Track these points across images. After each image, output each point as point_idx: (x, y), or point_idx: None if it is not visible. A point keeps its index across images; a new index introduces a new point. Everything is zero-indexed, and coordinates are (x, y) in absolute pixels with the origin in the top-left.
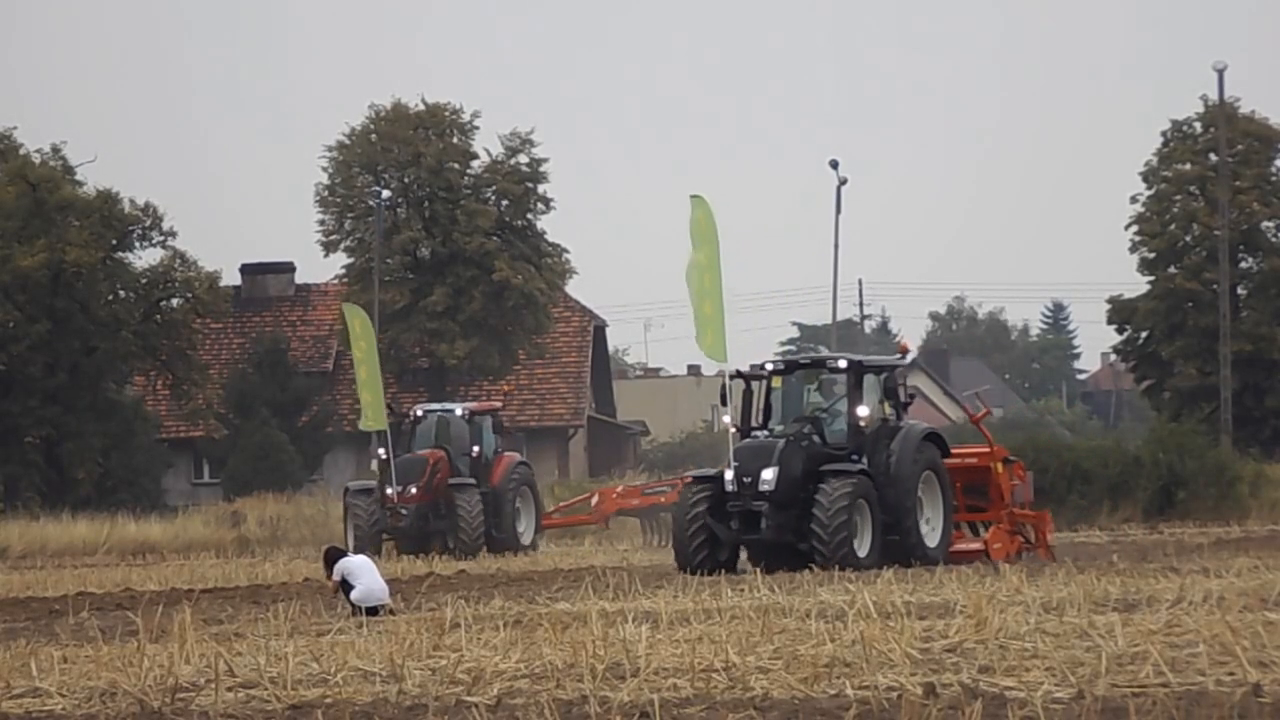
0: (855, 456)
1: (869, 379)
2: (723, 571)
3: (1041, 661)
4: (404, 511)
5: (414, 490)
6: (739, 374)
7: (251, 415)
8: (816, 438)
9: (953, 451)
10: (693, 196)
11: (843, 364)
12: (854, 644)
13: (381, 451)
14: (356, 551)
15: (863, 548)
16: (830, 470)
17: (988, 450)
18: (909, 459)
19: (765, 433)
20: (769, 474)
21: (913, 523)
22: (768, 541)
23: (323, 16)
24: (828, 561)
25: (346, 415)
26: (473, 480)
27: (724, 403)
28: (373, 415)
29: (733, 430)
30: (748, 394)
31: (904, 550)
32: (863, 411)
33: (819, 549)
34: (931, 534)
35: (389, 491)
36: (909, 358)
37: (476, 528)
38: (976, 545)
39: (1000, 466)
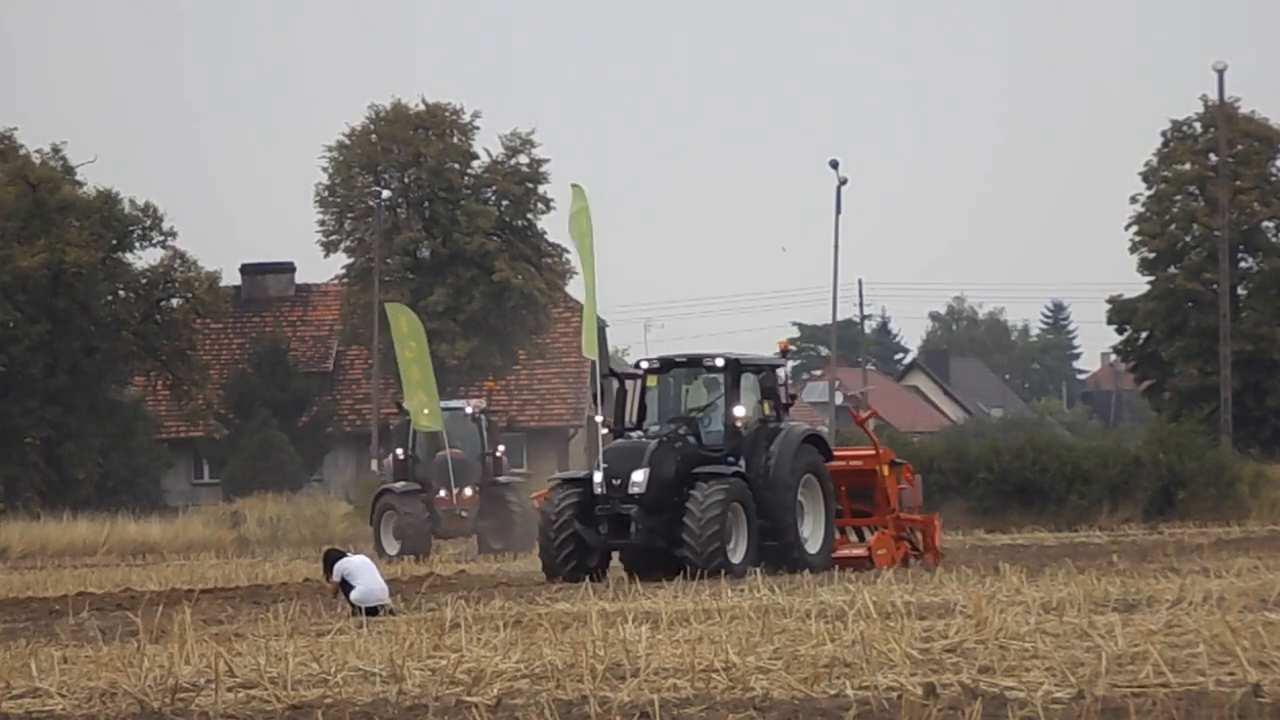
0: (732, 459)
1: (747, 378)
2: (589, 578)
3: (1041, 661)
4: (464, 514)
5: (470, 492)
6: (612, 373)
7: (251, 415)
8: (692, 439)
9: (837, 454)
10: (574, 186)
11: (720, 362)
12: (854, 644)
13: (391, 453)
14: (403, 554)
15: (737, 553)
16: (704, 473)
17: (873, 453)
18: (788, 461)
19: (640, 433)
20: (639, 476)
21: (792, 528)
22: (639, 547)
23: (323, 16)
24: (700, 568)
25: (346, 415)
26: (521, 478)
27: (596, 403)
28: (429, 416)
29: (605, 431)
30: (622, 393)
31: (782, 556)
32: (739, 412)
33: (690, 555)
34: (812, 539)
35: (443, 494)
36: (788, 358)
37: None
38: (860, 551)
39: (887, 470)
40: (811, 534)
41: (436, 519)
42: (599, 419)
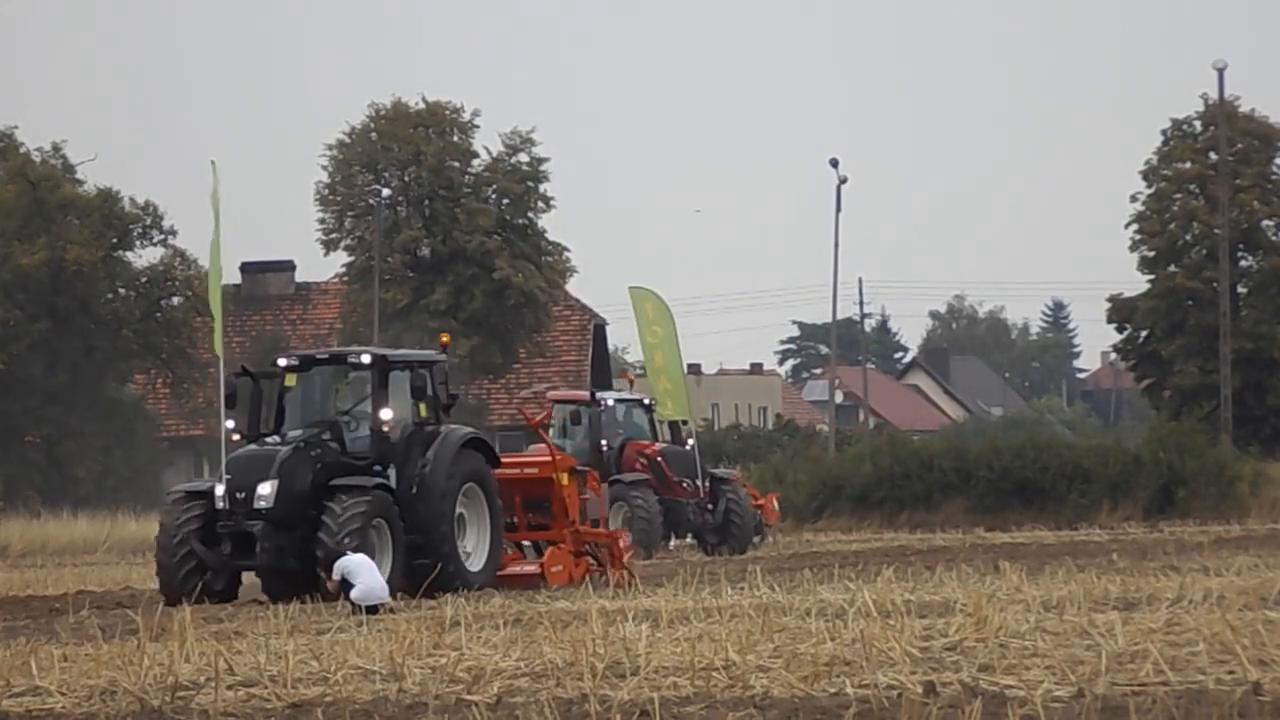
0: (379, 467)
1: (397, 376)
2: (218, 600)
3: (1042, 660)
4: (710, 508)
5: (695, 483)
6: (245, 371)
7: None
8: (335, 445)
9: (509, 461)
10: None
11: (365, 359)
12: (854, 642)
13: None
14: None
15: (381, 574)
16: (342, 484)
17: (549, 459)
18: (445, 469)
19: (276, 439)
20: (266, 489)
21: (448, 543)
22: (268, 568)
23: (323, 15)
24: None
25: None
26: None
27: (229, 406)
28: (674, 404)
29: (237, 437)
30: (257, 395)
31: (438, 574)
32: (386, 415)
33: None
34: (475, 556)
35: (686, 485)
36: (448, 353)
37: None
38: (532, 568)
39: (566, 478)
40: (474, 550)
41: (677, 511)
42: (229, 424)
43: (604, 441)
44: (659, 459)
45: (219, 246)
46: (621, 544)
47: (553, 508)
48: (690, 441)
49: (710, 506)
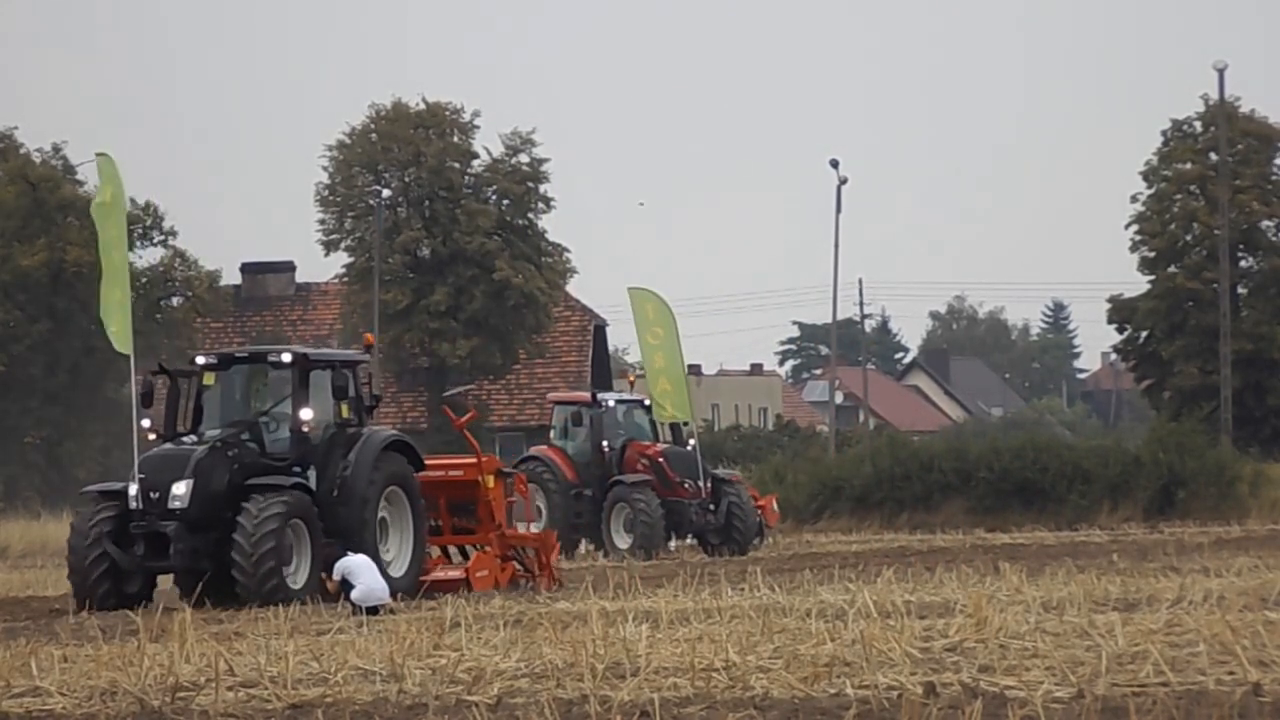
0: (299, 468)
1: (318, 376)
2: (138, 605)
3: (1042, 661)
4: (712, 508)
5: (698, 484)
6: (162, 369)
7: None
8: (254, 445)
9: (434, 463)
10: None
11: (286, 358)
12: (854, 643)
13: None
14: (635, 549)
15: (298, 577)
16: (259, 485)
17: (474, 461)
18: (367, 471)
19: (193, 439)
20: (181, 489)
21: (369, 547)
22: (182, 570)
23: (323, 16)
24: (254, 594)
25: None
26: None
27: (144, 405)
28: (675, 404)
29: (153, 437)
30: (174, 393)
31: None
32: (305, 415)
33: (242, 579)
34: (398, 560)
35: (688, 486)
36: (372, 353)
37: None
38: (456, 573)
39: (492, 480)
40: (397, 554)
41: (680, 512)
42: (144, 423)
43: (605, 442)
44: (660, 460)
45: (122, 240)
46: (548, 547)
47: (478, 511)
48: (691, 442)
49: (712, 507)
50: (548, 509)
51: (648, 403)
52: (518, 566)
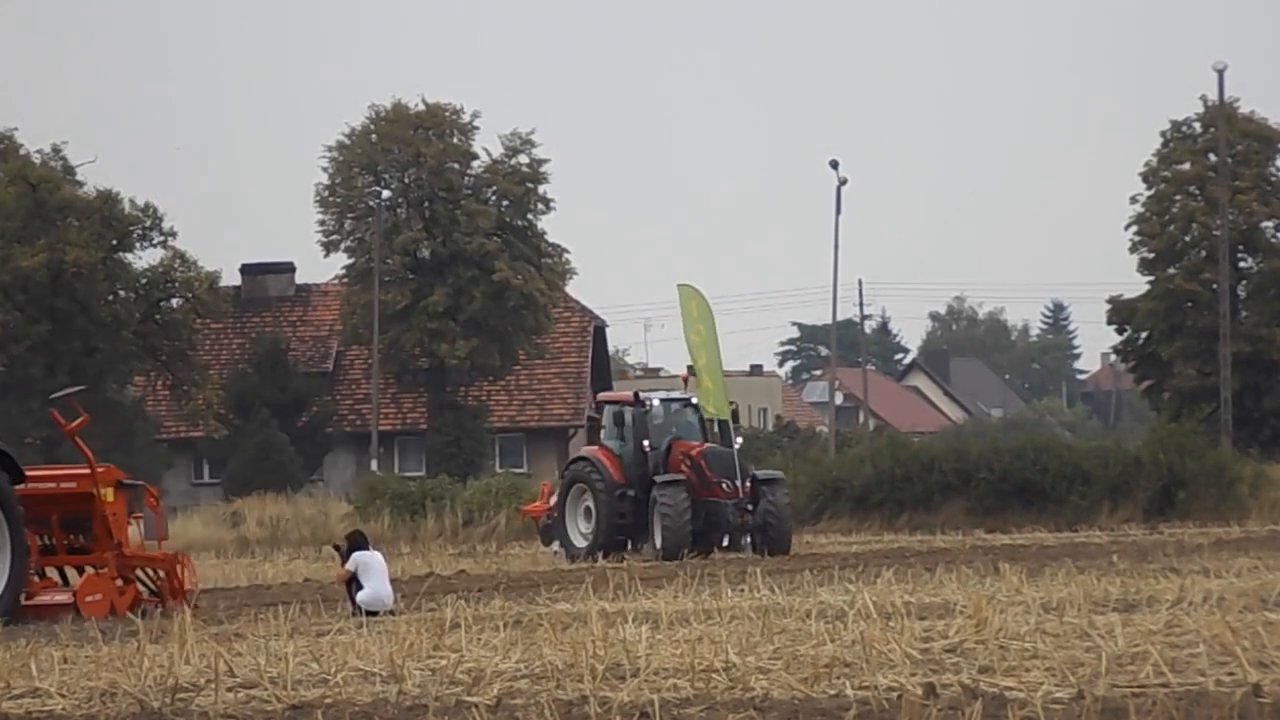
0: None
1: None
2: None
3: (1041, 662)
4: (750, 508)
5: (735, 484)
6: None
7: (251, 416)
8: None
9: (42, 475)
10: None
11: None
12: (854, 644)
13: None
14: (665, 551)
15: None
16: None
17: (88, 473)
18: None
19: None
20: None
21: None
22: None
23: (323, 16)
24: None
25: (346, 416)
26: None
27: None
28: (715, 403)
29: None
30: None
31: None
32: None
33: None
34: None
35: (725, 486)
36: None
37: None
38: (65, 597)
39: (110, 494)
40: None
41: (717, 512)
42: None
43: (646, 442)
44: (700, 459)
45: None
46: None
47: (94, 528)
48: (739, 440)
49: (750, 507)
50: (595, 509)
51: (695, 400)
52: (142, 589)
